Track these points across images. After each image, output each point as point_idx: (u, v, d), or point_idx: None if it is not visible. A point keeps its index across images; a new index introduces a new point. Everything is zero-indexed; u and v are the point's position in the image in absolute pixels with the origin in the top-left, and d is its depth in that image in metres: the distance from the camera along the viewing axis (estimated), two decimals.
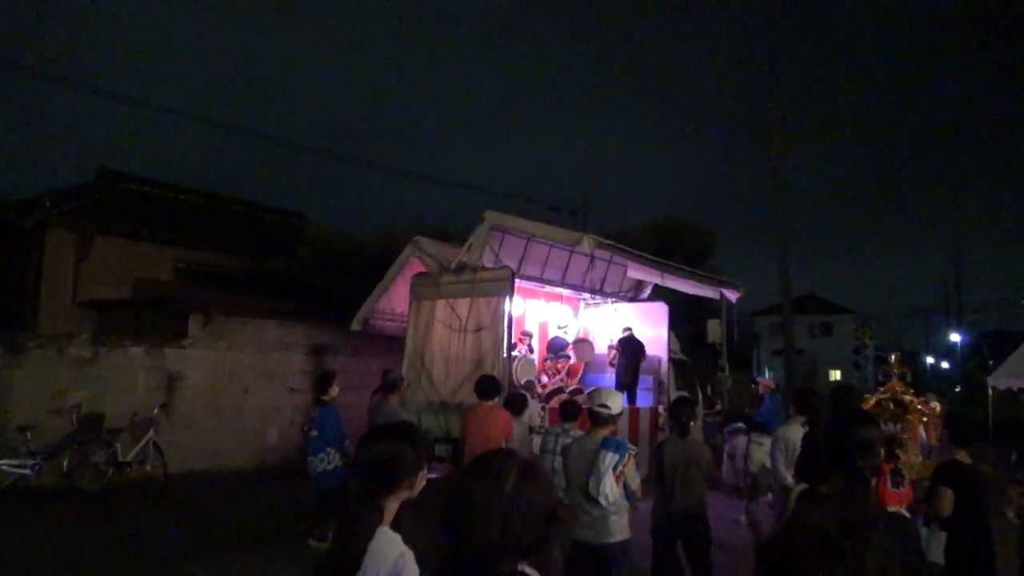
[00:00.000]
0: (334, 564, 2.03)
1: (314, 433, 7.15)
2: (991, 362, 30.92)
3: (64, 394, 10.25)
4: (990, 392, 14.36)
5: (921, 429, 8.62)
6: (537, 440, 7.45)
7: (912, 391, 8.99)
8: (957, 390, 33.43)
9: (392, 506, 2.16)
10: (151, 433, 10.37)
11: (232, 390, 12.21)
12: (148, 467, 10.29)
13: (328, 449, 7.01)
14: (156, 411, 10.66)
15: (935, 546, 3.90)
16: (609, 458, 4.46)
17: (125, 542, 7.43)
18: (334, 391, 7.32)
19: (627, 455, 4.54)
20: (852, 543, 1.15)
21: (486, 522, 1.45)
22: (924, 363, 48.23)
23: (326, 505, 7.13)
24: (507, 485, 1.48)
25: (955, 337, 44.00)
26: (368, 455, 2.18)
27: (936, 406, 10.66)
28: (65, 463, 9.55)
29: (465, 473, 1.57)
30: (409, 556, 2.05)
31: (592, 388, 10.65)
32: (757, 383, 13.38)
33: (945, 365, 49.99)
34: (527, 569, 1.50)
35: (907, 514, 4.87)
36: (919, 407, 8.65)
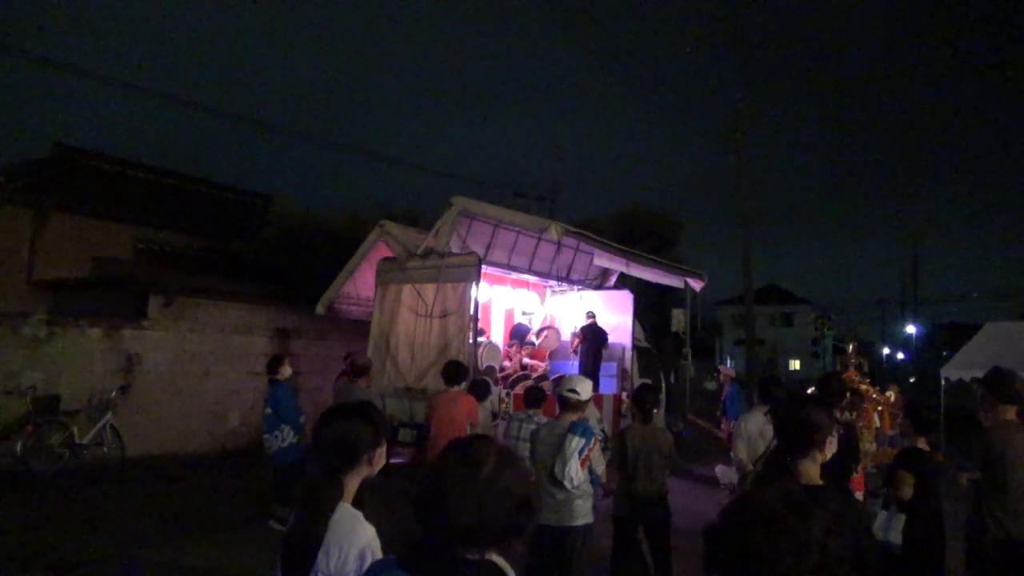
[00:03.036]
0: (298, 540, 2.04)
1: (268, 411, 7.17)
2: (945, 353, 31.79)
3: (18, 375, 9.99)
4: (943, 382, 14.77)
5: (876, 417, 8.83)
6: (502, 425, 7.48)
7: (868, 380, 9.21)
8: (912, 380, 34.32)
9: (353, 483, 2.18)
10: (109, 415, 10.20)
11: (193, 373, 12.04)
12: (105, 450, 10.13)
13: (282, 426, 7.06)
14: (114, 393, 10.48)
15: (894, 528, 4.04)
16: (575, 442, 4.51)
17: (82, 527, 7.31)
18: (286, 371, 7.39)
19: (593, 440, 4.60)
20: (795, 519, 1.19)
21: (461, 506, 1.43)
22: (880, 354, 49.42)
23: (283, 483, 7.14)
24: (484, 470, 1.47)
25: (911, 329, 45.14)
26: (327, 432, 2.20)
27: (891, 395, 10.94)
28: (19, 446, 9.33)
29: (442, 456, 1.55)
30: (376, 543, 2.07)
31: (556, 375, 10.76)
32: (718, 371, 13.60)
33: (901, 356, 51.25)
34: (495, 558, 1.50)
35: (860, 497, 5.02)
36: (874, 396, 8.86)
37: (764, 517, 1.20)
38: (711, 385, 13.69)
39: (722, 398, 12.12)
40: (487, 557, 1.48)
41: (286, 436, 7.07)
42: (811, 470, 2.45)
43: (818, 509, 1.23)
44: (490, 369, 10.12)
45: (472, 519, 1.43)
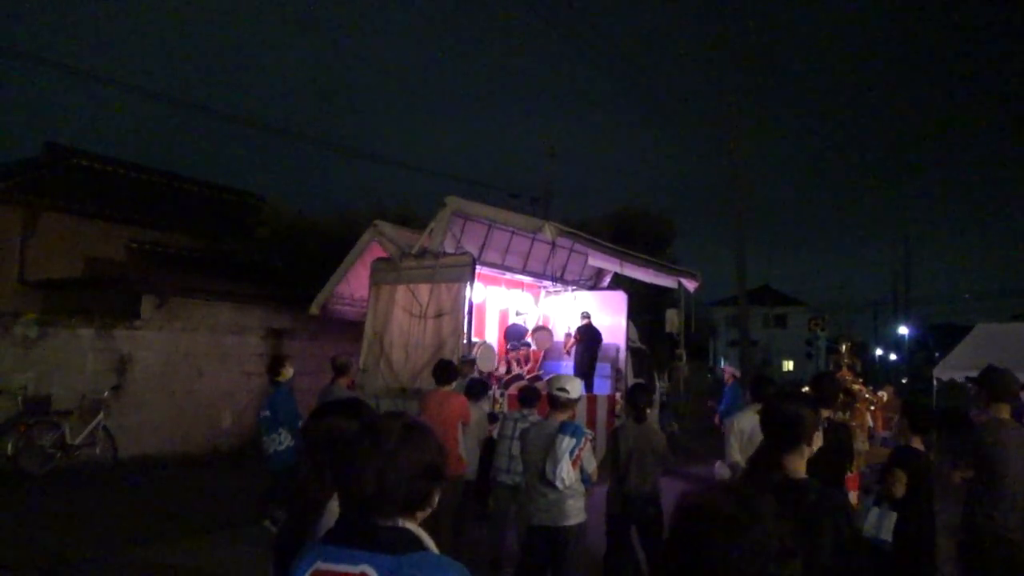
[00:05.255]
0: (288, 539, 2.03)
1: (266, 413, 7.09)
2: (936, 354, 31.94)
3: (9, 375, 9.94)
4: (935, 383, 14.85)
5: (868, 417, 8.84)
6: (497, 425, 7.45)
7: (861, 380, 9.22)
8: (904, 381, 34.45)
9: None
10: (101, 416, 10.17)
11: (185, 373, 12.00)
12: (97, 450, 10.10)
13: (280, 429, 6.98)
14: (106, 393, 10.45)
15: (885, 525, 4.05)
16: (566, 442, 4.50)
17: (73, 527, 7.28)
18: (288, 372, 7.28)
19: (583, 439, 4.59)
20: (745, 515, 1.23)
21: (363, 477, 1.54)
22: (873, 355, 49.58)
23: (279, 486, 7.09)
24: (387, 442, 1.57)
25: (903, 330, 45.27)
26: (316, 430, 2.19)
27: (884, 395, 10.96)
28: (10, 446, 9.30)
29: (354, 432, 1.67)
30: None
31: (551, 375, 10.73)
32: (723, 371, 13.69)
33: (893, 357, 51.42)
34: (407, 524, 1.57)
35: (854, 498, 5.04)
36: (867, 396, 8.87)
37: (714, 517, 1.25)
38: (672, 427, 13.49)
39: (722, 396, 12.15)
40: (401, 524, 1.56)
41: (283, 439, 6.96)
42: (797, 464, 2.48)
43: (765, 502, 1.27)
44: (468, 361, 9.54)
45: (373, 488, 1.52)
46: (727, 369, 12.83)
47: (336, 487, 1.60)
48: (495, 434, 6.87)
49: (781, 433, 2.49)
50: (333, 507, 2.09)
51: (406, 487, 1.55)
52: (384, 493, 1.53)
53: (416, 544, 1.55)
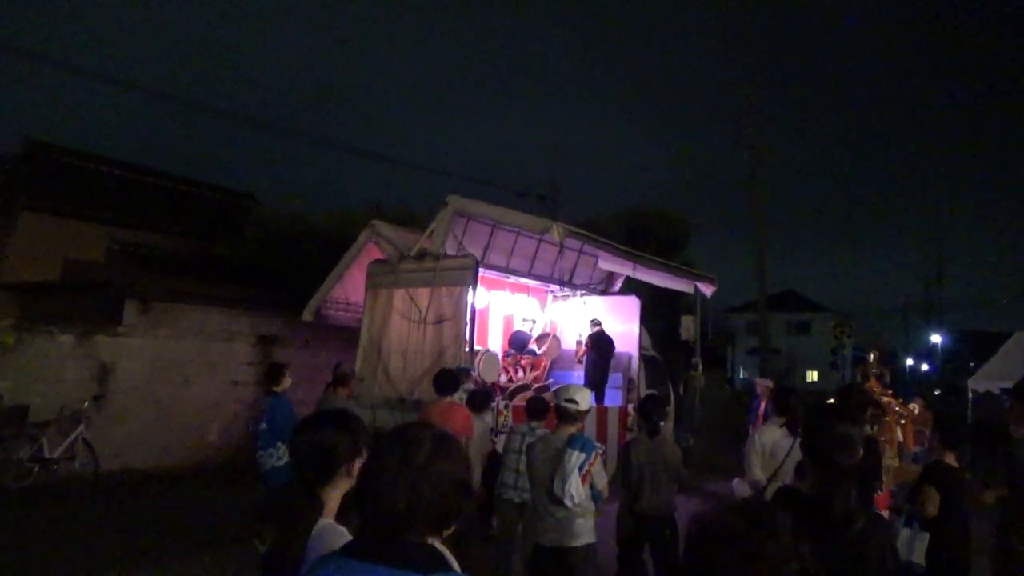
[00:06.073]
0: (277, 560, 2.02)
1: (263, 426, 7.03)
2: (971, 364, 31.79)
3: None
4: (970, 394, 14.79)
5: (898, 431, 8.79)
6: (502, 439, 7.43)
7: (890, 392, 9.17)
8: (936, 393, 34.30)
9: (333, 496, 2.16)
10: (81, 427, 10.16)
11: (171, 382, 12.01)
12: (77, 464, 10.09)
13: (278, 443, 6.91)
14: (87, 404, 10.46)
15: (918, 547, 4.01)
16: (575, 457, 4.47)
17: (53, 545, 7.28)
18: (286, 382, 7.21)
19: (594, 454, 4.56)
20: (759, 534, 1.25)
21: (394, 491, 1.52)
22: (903, 364, 49.42)
23: (274, 503, 7.03)
24: (419, 456, 1.56)
25: (935, 338, 45.17)
26: (302, 444, 2.18)
27: (915, 408, 10.91)
28: None
29: (380, 443, 1.65)
30: None
31: (559, 385, 10.71)
32: (755, 383, 13.64)
33: (925, 367, 51.25)
34: (436, 544, 1.57)
35: (885, 515, 5.00)
36: (896, 408, 8.82)
37: (726, 538, 1.26)
38: (689, 441, 13.43)
39: (758, 410, 12.12)
40: (428, 542, 1.56)
41: (282, 454, 6.90)
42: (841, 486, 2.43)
43: (779, 520, 1.28)
44: (463, 371, 9.47)
45: (405, 503, 1.52)
46: (760, 382, 12.78)
47: (360, 500, 1.59)
48: (499, 447, 6.85)
49: (829, 454, 2.39)
50: (323, 525, 2.07)
51: (439, 503, 1.55)
52: (416, 509, 1.52)
53: (444, 564, 1.55)
